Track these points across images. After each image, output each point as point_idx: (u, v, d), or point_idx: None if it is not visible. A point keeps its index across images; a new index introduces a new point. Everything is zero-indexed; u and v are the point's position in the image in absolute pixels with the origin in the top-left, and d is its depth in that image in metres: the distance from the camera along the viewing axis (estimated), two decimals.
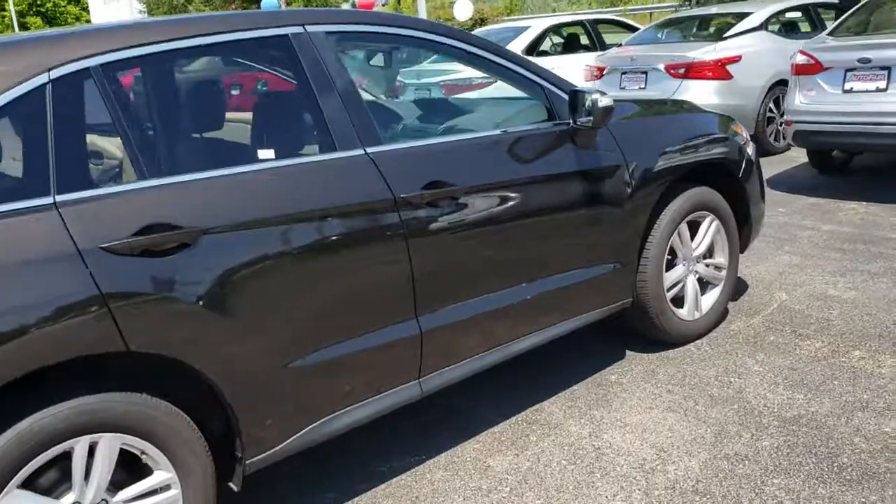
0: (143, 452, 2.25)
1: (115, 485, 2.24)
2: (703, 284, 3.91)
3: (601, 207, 3.28)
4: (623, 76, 8.34)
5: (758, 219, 4.07)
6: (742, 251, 4.11)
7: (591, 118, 3.06)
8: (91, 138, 2.22)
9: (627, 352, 3.78)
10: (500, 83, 3.29)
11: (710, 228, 3.81)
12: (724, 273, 3.93)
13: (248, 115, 2.72)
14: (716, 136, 3.76)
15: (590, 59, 9.29)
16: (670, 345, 3.77)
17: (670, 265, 3.70)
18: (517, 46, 9.38)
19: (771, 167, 7.47)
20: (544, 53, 10.11)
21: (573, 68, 9.09)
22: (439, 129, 3.54)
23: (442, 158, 2.83)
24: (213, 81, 2.77)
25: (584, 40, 10.41)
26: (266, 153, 2.51)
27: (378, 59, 3.65)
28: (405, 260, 2.67)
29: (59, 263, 2.05)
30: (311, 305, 2.48)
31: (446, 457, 3.04)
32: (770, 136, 8.11)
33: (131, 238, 2.15)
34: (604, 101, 3.05)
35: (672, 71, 7.80)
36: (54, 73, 2.17)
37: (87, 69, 2.22)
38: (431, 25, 2.99)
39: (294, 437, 2.53)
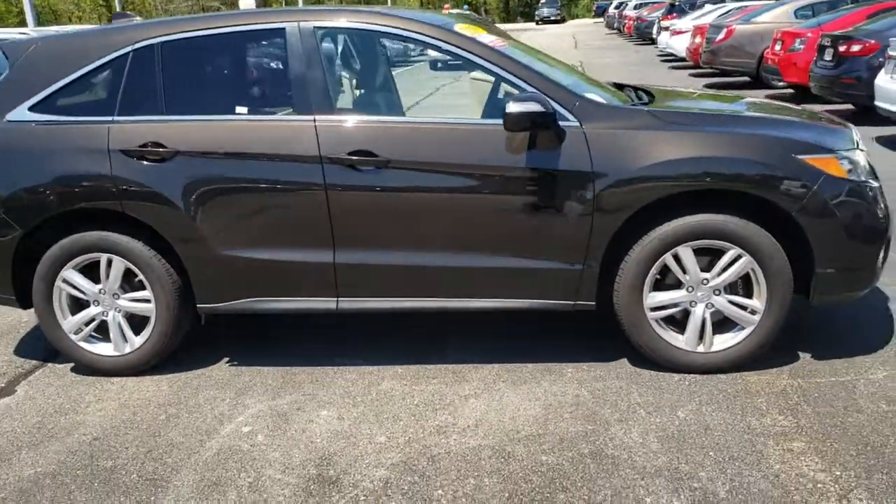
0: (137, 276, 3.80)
1: (126, 289, 3.85)
2: (731, 324, 3.57)
3: (546, 208, 3.45)
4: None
5: (835, 277, 3.42)
6: (816, 303, 3.52)
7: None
8: (141, 85, 3.73)
9: (624, 360, 3.76)
10: None
11: (735, 263, 3.45)
12: (757, 318, 3.50)
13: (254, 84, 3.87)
14: (746, 159, 3.34)
15: None
16: (670, 370, 3.62)
17: (673, 287, 3.54)
18: None
19: None
20: None
21: None
22: (407, 108, 4.04)
23: (380, 133, 3.54)
24: (222, 60, 3.94)
25: None
26: (241, 109, 3.67)
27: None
28: (324, 205, 3.56)
29: (102, 154, 3.66)
30: (246, 216, 3.62)
31: (361, 368, 3.84)
32: None
33: (136, 148, 3.63)
34: (509, 107, 3.26)
35: None
36: (136, 45, 3.73)
37: (152, 45, 3.72)
38: (408, 22, 3.61)
39: (227, 303, 3.76)
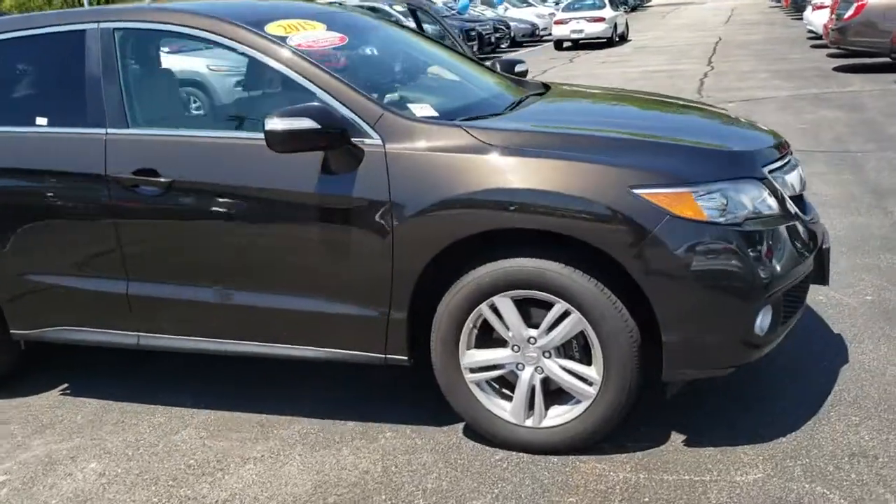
0: None
1: None
2: (569, 394, 2.84)
3: (341, 242, 2.87)
4: None
5: (689, 346, 2.62)
6: (668, 379, 2.73)
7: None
8: None
9: (460, 426, 3.11)
10: None
11: (564, 320, 2.72)
12: (594, 390, 2.75)
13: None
14: (559, 193, 2.59)
15: None
16: (496, 445, 2.94)
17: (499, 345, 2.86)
18: None
19: None
20: None
21: None
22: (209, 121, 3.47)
23: (165, 150, 3.08)
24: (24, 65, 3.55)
25: None
26: (42, 120, 3.32)
27: None
28: (111, 228, 3.17)
29: None
30: (44, 238, 3.30)
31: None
32: None
33: None
34: (268, 123, 2.68)
35: None
36: None
37: None
38: (207, 22, 3.11)
39: (37, 330, 3.45)
